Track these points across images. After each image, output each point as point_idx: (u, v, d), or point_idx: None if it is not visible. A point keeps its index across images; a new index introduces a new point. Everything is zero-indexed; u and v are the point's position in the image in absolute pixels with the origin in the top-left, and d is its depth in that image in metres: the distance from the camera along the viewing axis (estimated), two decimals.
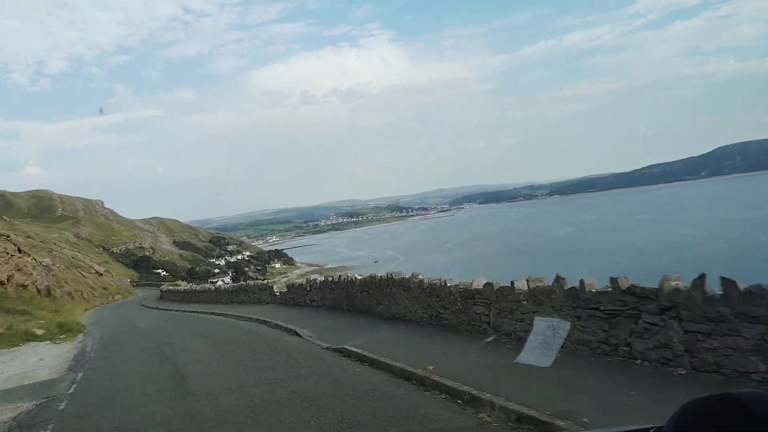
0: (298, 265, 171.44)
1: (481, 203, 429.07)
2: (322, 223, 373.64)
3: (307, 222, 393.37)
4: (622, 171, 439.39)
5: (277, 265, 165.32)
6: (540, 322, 7.36)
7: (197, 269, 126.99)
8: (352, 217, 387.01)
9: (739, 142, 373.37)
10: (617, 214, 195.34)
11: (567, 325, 7.00)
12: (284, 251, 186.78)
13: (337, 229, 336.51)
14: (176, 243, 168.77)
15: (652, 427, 1.22)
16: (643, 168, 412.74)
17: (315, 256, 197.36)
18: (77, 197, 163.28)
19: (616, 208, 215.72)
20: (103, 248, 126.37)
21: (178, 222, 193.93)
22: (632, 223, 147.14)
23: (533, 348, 7.18)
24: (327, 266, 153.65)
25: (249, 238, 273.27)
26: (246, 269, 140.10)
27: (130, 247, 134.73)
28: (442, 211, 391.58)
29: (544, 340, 7.16)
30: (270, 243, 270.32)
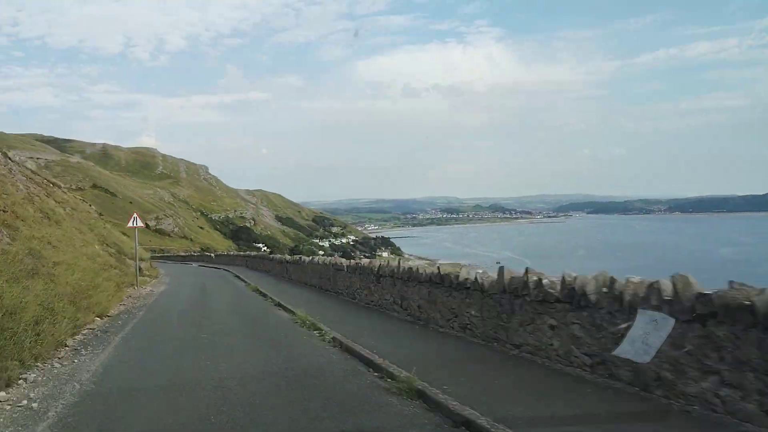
0: (407, 256, 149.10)
1: (589, 213, 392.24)
2: (421, 217, 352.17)
3: (405, 214, 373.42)
4: (752, 193, 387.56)
5: (384, 254, 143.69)
6: (642, 316, 5.79)
7: (301, 248, 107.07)
8: (452, 213, 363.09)
9: None
10: None
11: (671, 322, 5.41)
12: (390, 240, 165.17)
13: (437, 224, 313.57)
14: (279, 218, 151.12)
15: None
16: None
17: (422, 249, 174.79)
18: (181, 159, 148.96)
19: None
20: (201, 213, 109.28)
21: (282, 197, 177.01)
22: None
23: (633, 341, 5.94)
24: (439, 262, 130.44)
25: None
26: (353, 254, 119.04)
27: (230, 215, 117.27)
28: (549, 216, 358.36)
29: (644, 334, 5.83)
30: (369, 231, 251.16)
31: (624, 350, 6.06)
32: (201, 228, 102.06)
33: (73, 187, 78.01)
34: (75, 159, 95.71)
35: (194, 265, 41.40)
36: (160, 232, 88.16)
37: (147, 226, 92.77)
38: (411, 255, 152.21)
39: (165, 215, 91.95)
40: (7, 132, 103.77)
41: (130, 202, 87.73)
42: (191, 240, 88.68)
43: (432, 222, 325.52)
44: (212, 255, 48.76)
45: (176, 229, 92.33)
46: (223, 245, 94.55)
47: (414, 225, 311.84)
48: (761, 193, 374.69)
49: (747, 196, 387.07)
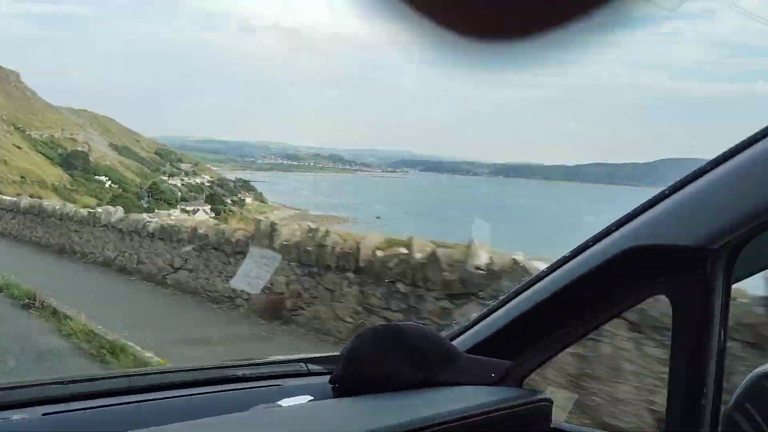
0: (273, 204, 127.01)
1: (421, 171, 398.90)
2: (261, 161, 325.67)
3: (242, 156, 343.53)
4: (562, 164, 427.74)
5: (248, 200, 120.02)
6: (254, 251, 7.01)
7: (161, 187, 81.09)
8: (292, 160, 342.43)
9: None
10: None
11: (277, 259, 6.71)
12: (251, 184, 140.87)
13: (281, 170, 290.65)
14: (114, 147, 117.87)
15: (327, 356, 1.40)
16: (588, 164, 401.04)
17: (282, 198, 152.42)
18: None
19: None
20: (15, 127, 76.91)
21: (115, 121, 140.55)
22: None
23: (246, 274, 6.86)
24: (312, 212, 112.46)
25: None
26: (224, 198, 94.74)
27: (56, 135, 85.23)
28: (388, 171, 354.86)
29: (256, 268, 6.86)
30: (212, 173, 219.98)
31: (238, 283, 6.76)
32: (18, 147, 70.50)
33: None
34: None
35: None
36: None
37: None
38: (277, 203, 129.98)
39: None
40: None
41: None
42: (5, 163, 58.85)
43: (274, 167, 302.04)
44: None
45: None
46: (52, 174, 65.75)
47: (255, 169, 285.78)
48: (570, 164, 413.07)
49: (554, 165, 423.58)
